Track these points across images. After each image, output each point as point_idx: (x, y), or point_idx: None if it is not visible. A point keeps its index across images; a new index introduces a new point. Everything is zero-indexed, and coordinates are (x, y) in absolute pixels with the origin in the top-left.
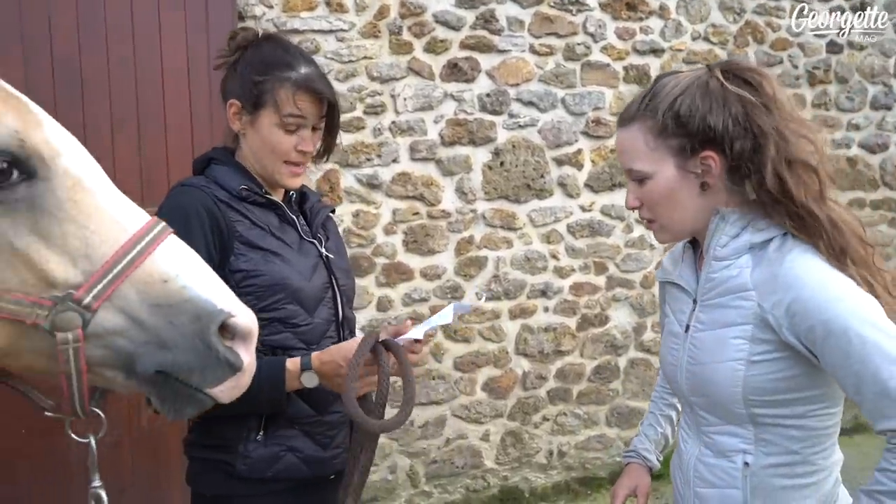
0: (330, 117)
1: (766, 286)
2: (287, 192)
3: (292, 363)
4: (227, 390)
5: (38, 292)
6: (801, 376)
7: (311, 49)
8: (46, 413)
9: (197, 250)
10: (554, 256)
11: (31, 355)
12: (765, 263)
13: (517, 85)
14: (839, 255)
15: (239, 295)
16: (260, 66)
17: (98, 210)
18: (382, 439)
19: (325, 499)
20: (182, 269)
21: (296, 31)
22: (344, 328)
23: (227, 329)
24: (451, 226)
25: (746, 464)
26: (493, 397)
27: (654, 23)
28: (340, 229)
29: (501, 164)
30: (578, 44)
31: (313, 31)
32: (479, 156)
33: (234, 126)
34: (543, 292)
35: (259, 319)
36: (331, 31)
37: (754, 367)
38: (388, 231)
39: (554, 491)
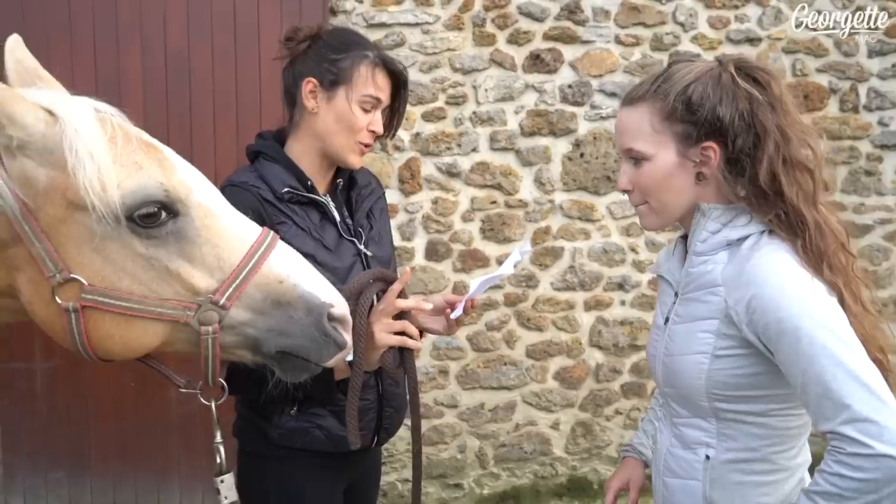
0: (400, 98)
1: (733, 282)
2: (334, 178)
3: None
4: (333, 361)
5: (188, 299)
6: (764, 374)
7: (397, 42)
8: (180, 389)
9: None
10: (633, 250)
11: (181, 343)
12: (736, 260)
13: (600, 76)
14: (816, 258)
15: None
16: (338, 45)
17: (224, 229)
18: (452, 419)
19: (344, 473)
20: (291, 270)
21: (383, 25)
22: None
23: (329, 316)
24: (528, 215)
25: (707, 457)
26: (564, 387)
27: (751, 10)
28: (419, 216)
29: (581, 155)
30: (667, 34)
31: (400, 24)
32: (559, 147)
33: (307, 104)
34: (620, 285)
35: None
36: (416, 25)
37: (718, 362)
38: (466, 218)
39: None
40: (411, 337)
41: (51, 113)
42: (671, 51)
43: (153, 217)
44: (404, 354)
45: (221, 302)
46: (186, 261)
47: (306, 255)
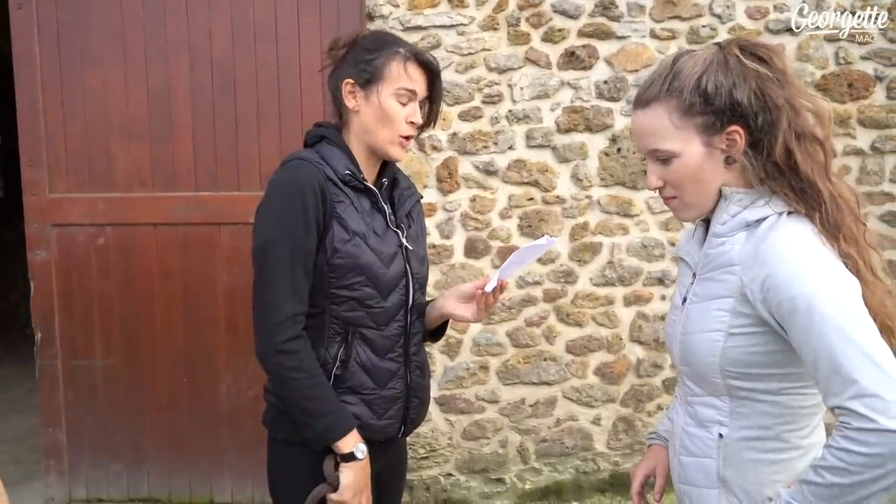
0: (434, 89)
1: (748, 261)
2: (380, 177)
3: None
4: None
5: None
6: (779, 353)
7: (433, 44)
8: None
9: (308, 220)
10: (672, 244)
11: None
12: (753, 240)
13: (636, 71)
14: (833, 230)
15: (327, 270)
16: (372, 46)
17: None
18: (493, 414)
19: (373, 462)
20: None
21: (419, 28)
22: (412, 313)
23: None
24: (565, 211)
25: (721, 435)
26: (605, 382)
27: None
28: (457, 214)
29: (618, 150)
30: (703, 26)
31: (435, 26)
32: (596, 142)
33: (349, 103)
34: (660, 280)
35: (338, 296)
36: (452, 26)
37: (732, 339)
38: (504, 216)
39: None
40: None
41: None
42: (708, 43)
43: None
44: None
45: None
46: None
47: (358, 237)
